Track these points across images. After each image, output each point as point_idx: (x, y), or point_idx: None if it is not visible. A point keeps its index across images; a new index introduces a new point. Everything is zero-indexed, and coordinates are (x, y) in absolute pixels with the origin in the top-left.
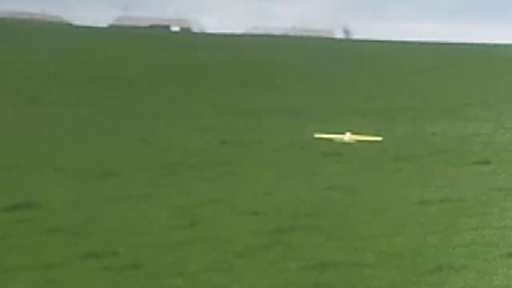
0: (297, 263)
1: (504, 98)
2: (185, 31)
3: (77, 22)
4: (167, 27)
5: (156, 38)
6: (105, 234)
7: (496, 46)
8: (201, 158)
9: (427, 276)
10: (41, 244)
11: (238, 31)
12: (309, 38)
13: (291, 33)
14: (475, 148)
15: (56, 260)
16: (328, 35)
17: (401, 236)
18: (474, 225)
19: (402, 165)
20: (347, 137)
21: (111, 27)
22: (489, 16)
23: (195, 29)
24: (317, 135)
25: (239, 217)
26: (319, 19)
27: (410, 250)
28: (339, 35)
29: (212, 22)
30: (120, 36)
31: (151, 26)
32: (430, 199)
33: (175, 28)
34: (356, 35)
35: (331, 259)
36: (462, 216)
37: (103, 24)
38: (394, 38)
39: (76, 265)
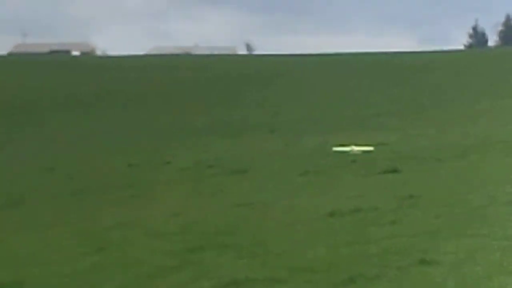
0: (209, 283)
1: (409, 106)
2: (86, 55)
3: None
4: (67, 51)
5: (57, 63)
6: (11, 265)
7: (396, 54)
8: (108, 182)
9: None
10: None
11: (140, 52)
12: (212, 56)
13: (194, 52)
14: (383, 157)
15: None
16: (231, 52)
17: (313, 250)
18: (385, 234)
19: (311, 178)
20: (353, 148)
21: (10, 54)
22: (388, 25)
23: (97, 52)
24: (335, 149)
25: (148, 239)
26: (222, 37)
27: (323, 263)
28: (242, 51)
29: (112, 45)
30: (20, 63)
31: (52, 52)
32: (340, 211)
33: (75, 53)
34: (259, 51)
35: (243, 276)
36: (373, 226)
37: (3, 52)
38: (296, 52)
39: None
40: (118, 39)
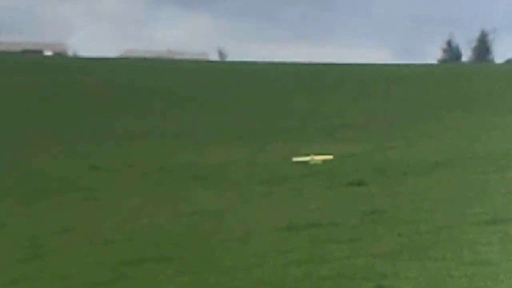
0: None
1: (379, 118)
2: (58, 55)
3: None
4: (40, 51)
5: (28, 62)
6: None
7: (369, 66)
8: (66, 184)
9: None
10: None
11: (112, 54)
12: (184, 61)
13: (166, 56)
14: (349, 169)
15: None
16: (203, 58)
17: (261, 268)
18: (343, 253)
19: (273, 188)
20: (313, 158)
21: None
22: (363, 37)
23: (69, 53)
24: (295, 159)
25: (89, 247)
26: (194, 42)
27: (269, 283)
28: (214, 57)
29: (85, 46)
30: None
31: (24, 51)
32: (298, 225)
33: (48, 53)
34: (232, 57)
35: None
36: (331, 243)
37: None
38: (268, 60)
39: None
40: (91, 41)
